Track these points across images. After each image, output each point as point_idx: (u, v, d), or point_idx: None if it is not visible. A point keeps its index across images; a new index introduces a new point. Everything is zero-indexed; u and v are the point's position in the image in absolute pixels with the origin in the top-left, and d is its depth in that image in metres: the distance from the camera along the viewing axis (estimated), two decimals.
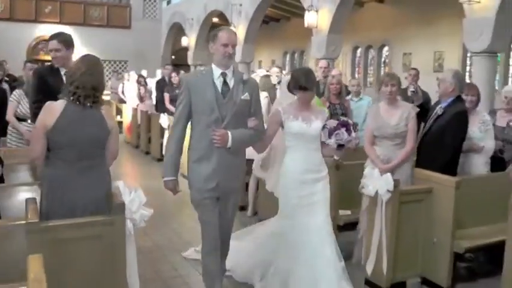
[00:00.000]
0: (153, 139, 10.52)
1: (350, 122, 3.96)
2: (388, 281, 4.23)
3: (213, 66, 3.59)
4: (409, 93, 6.73)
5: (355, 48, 20.16)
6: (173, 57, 23.17)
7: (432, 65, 15.60)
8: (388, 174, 4.13)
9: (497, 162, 4.98)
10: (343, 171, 4.84)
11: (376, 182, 4.15)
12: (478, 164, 4.87)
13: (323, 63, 8.11)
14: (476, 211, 4.48)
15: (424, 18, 15.35)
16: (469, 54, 14.48)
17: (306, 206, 3.87)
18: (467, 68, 14.97)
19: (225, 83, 3.55)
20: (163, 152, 3.86)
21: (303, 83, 3.81)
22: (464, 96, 4.86)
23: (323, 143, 3.94)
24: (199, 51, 19.61)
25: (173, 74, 9.83)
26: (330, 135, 3.85)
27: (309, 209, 3.87)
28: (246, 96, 3.57)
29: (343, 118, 3.93)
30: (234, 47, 3.56)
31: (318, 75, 8.00)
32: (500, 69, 11.94)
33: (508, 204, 3.82)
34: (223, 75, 3.56)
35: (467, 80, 8.29)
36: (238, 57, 16.34)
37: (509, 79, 13.78)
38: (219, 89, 3.53)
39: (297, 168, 3.88)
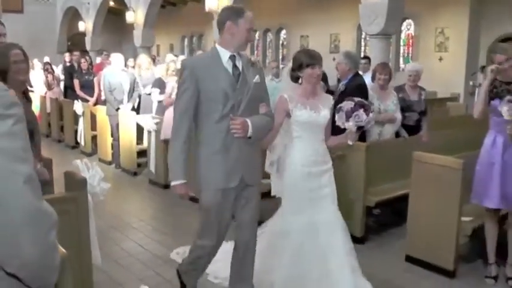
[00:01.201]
0: (66, 127, 10.36)
1: (365, 101, 3.76)
2: None
3: (219, 48, 3.21)
4: None
5: (254, 32, 20.71)
6: (69, 43, 22.41)
7: (329, 47, 16.58)
8: None
9: (415, 130, 5.66)
10: None
11: None
12: (391, 132, 5.54)
13: None
14: (384, 171, 5.14)
15: (320, 4, 16.21)
16: (363, 36, 15.69)
17: (315, 200, 3.63)
18: (362, 49, 16.20)
19: (235, 66, 3.19)
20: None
21: (308, 59, 3.56)
22: (378, 75, 5.54)
23: (333, 131, 3.78)
24: (97, 37, 19.24)
25: (82, 60, 9.77)
26: (348, 118, 3.59)
27: (318, 204, 3.64)
28: (257, 79, 3.23)
29: (357, 98, 3.69)
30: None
31: None
32: (392, 49, 13.11)
33: (412, 163, 4.45)
34: (233, 58, 3.20)
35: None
36: (138, 42, 16.33)
37: (401, 58, 15.15)
38: (231, 73, 3.17)
39: (305, 160, 3.62)
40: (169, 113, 6.65)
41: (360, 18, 9.31)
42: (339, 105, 3.66)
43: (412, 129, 5.65)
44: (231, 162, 3.15)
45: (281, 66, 14.11)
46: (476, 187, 4.14)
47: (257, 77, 3.23)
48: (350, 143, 3.66)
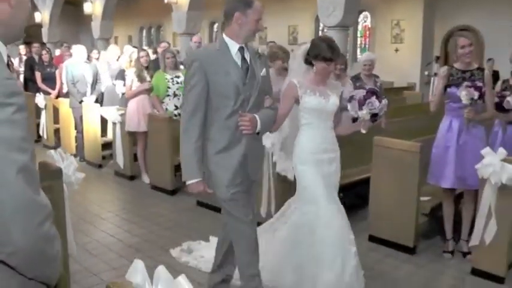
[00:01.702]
0: (27, 120, 10.10)
1: (376, 89, 3.64)
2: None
3: (227, 39, 3.06)
4: None
5: (212, 24, 20.75)
6: (25, 34, 21.75)
7: (287, 38, 16.78)
8: None
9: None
10: None
11: (265, 138, 4.64)
12: (349, 119, 5.78)
13: (196, 38, 8.82)
14: (346, 156, 5.33)
15: None
16: (321, 28, 15.95)
17: (327, 187, 3.52)
18: None
19: (243, 59, 3.06)
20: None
21: (328, 53, 3.41)
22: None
23: (338, 119, 3.70)
24: (54, 28, 18.83)
25: (43, 52, 9.63)
26: (360, 106, 3.51)
27: (329, 191, 3.54)
28: (264, 72, 3.12)
29: (368, 86, 3.58)
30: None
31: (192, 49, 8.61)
32: (349, 40, 13.47)
33: (372, 148, 4.68)
34: (241, 50, 3.07)
35: None
36: (96, 34, 16.13)
37: (358, 49, 15.50)
38: (240, 66, 3.04)
39: (315, 148, 3.53)
40: (132, 104, 6.71)
41: (318, 10, 9.46)
42: (351, 94, 3.66)
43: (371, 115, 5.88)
44: (238, 158, 3.06)
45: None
46: (433, 169, 4.41)
47: (264, 70, 3.13)
48: (363, 131, 3.60)
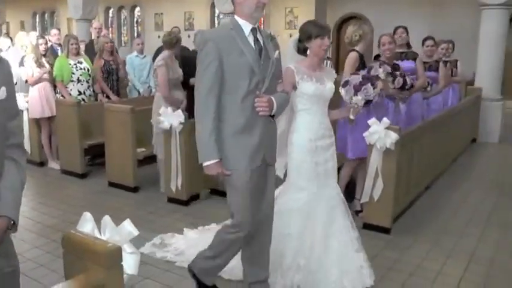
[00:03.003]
0: None
1: (372, 75, 3.78)
2: (187, 195, 5.43)
3: (239, 20, 2.96)
4: None
5: (108, 9, 20.51)
6: None
7: (183, 24, 17.08)
8: (179, 110, 5.22)
9: None
10: (137, 115, 5.85)
11: (170, 118, 5.19)
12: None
13: (97, 24, 8.86)
14: None
15: None
16: (217, 14, 16.41)
17: (322, 174, 3.56)
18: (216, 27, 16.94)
19: (256, 40, 2.97)
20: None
21: (319, 29, 3.43)
22: None
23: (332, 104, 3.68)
24: None
25: None
26: (356, 91, 3.60)
27: (323, 178, 3.57)
28: (277, 54, 3.08)
29: (362, 72, 3.61)
30: None
31: (93, 35, 8.71)
32: None
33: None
34: (254, 31, 2.97)
35: None
36: None
37: None
38: (253, 47, 2.95)
39: (313, 134, 3.53)
40: (34, 91, 6.77)
41: None
42: (346, 79, 3.73)
43: None
44: (255, 141, 2.98)
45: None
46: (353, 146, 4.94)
47: (277, 52, 3.09)
48: (352, 117, 3.66)
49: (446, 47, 7.48)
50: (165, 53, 5.73)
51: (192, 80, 5.73)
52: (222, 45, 2.87)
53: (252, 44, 2.94)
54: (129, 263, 1.90)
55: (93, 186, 6.22)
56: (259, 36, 2.99)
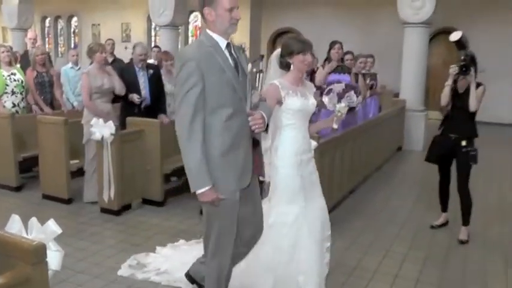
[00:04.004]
0: None
1: (355, 84, 3.63)
2: (118, 205, 5.54)
3: (214, 35, 2.84)
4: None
5: (44, 18, 20.21)
6: None
7: (121, 36, 17.09)
8: (110, 121, 5.33)
9: None
10: (71, 127, 5.88)
11: (101, 129, 5.29)
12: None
13: (31, 34, 8.80)
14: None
15: None
16: (153, 26, 16.53)
17: (307, 187, 3.54)
18: (153, 39, 17.07)
19: (231, 55, 2.87)
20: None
21: (301, 45, 3.43)
22: (164, 62, 6.56)
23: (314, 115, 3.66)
24: None
25: None
26: (340, 99, 3.53)
27: (309, 191, 3.55)
28: (250, 67, 3.06)
29: (344, 82, 3.52)
30: (238, 8, 2.84)
31: (28, 46, 8.64)
32: (181, 39, 14.28)
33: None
34: (228, 47, 2.88)
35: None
36: None
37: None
38: (231, 63, 2.85)
39: (298, 149, 3.50)
40: None
41: (149, 10, 9.99)
42: (329, 87, 3.69)
43: None
44: (242, 161, 2.90)
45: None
46: None
47: (249, 65, 3.07)
48: (335, 126, 3.62)
49: (365, 61, 7.91)
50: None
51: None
52: (204, 65, 2.74)
53: (230, 59, 2.85)
54: (53, 260, 2.08)
55: (27, 198, 6.17)
56: (233, 51, 2.90)
